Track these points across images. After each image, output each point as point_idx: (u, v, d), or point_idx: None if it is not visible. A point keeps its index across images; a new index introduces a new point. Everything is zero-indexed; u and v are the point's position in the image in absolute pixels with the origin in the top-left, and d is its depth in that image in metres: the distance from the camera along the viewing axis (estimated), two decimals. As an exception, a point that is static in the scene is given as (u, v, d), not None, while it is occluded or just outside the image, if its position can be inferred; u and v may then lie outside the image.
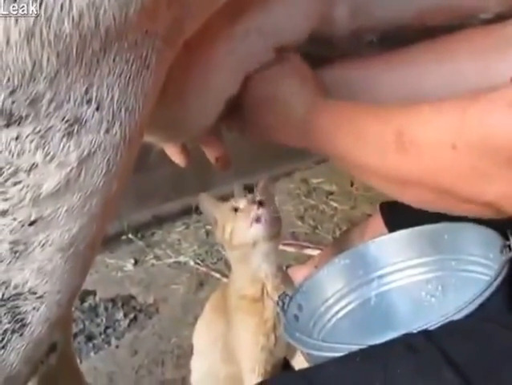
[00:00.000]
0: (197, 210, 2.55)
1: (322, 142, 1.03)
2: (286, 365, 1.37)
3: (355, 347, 0.93)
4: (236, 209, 1.27)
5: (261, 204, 1.25)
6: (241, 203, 1.27)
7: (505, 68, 1.05)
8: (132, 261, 2.39)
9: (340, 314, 1.23)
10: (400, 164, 0.88)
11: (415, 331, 0.91)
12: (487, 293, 0.95)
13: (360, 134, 0.95)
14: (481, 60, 1.09)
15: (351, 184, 2.69)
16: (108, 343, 2.01)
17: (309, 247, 2.36)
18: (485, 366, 0.83)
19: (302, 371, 0.97)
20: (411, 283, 1.24)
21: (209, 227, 2.50)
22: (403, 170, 0.88)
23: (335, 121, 1.01)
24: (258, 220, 1.24)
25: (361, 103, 1.04)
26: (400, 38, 1.16)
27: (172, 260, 2.38)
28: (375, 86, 1.17)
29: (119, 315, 2.10)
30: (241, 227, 1.25)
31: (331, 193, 2.73)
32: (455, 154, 0.80)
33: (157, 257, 2.40)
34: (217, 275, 2.22)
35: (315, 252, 2.19)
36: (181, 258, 2.37)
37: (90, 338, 2.03)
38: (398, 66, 1.17)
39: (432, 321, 0.93)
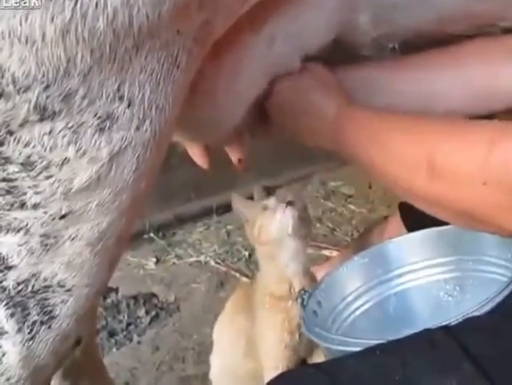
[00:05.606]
0: (217, 211, 2.57)
1: (350, 147, 1.05)
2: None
3: (373, 342, 0.94)
4: (266, 209, 1.30)
5: (290, 204, 1.27)
6: (271, 202, 1.29)
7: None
8: (154, 259, 2.39)
9: (358, 312, 1.23)
10: (431, 187, 0.90)
11: (434, 327, 0.92)
12: (506, 292, 0.96)
13: (389, 150, 0.97)
14: (489, 65, 1.12)
15: (370, 187, 2.69)
16: (130, 340, 2.01)
17: (327, 248, 2.36)
18: (504, 360, 0.85)
19: (321, 364, 0.98)
20: (429, 283, 1.24)
21: (229, 227, 2.51)
22: (433, 193, 0.90)
23: (364, 131, 1.03)
24: (284, 214, 1.26)
25: (388, 115, 1.06)
26: (421, 45, 1.18)
27: (193, 259, 2.38)
28: (393, 86, 1.19)
29: (141, 312, 2.11)
30: (268, 222, 1.28)
31: (350, 196, 2.73)
32: (486, 190, 0.82)
33: (178, 257, 2.40)
34: (237, 275, 2.22)
35: (333, 253, 2.20)
36: (202, 258, 2.37)
37: (112, 334, 2.03)
38: (414, 69, 1.19)
39: (451, 318, 0.94)
